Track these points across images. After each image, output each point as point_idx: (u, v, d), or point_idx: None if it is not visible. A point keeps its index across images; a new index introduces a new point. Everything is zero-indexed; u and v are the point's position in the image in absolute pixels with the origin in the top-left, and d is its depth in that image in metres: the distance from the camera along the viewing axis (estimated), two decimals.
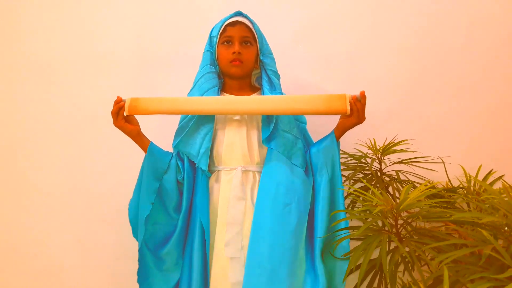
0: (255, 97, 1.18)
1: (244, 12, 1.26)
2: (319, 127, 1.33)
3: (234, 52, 1.20)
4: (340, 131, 1.20)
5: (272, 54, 1.29)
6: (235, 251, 1.14)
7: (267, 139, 1.19)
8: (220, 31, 1.23)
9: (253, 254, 1.11)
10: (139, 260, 1.18)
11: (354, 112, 1.13)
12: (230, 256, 1.14)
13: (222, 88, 1.29)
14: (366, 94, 1.13)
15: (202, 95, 1.21)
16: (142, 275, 1.19)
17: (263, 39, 1.27)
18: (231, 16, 1.24)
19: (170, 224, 1.21)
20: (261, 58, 1.27)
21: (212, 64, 1.26)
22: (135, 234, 1.24)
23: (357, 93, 1.14)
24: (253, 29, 1.24)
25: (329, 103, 1.13)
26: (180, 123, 1.25)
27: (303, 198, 1.18)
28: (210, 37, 1.27)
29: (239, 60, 1.21)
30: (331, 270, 1.15)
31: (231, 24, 1.22)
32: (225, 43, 1.23)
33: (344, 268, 1.12)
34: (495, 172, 1.25)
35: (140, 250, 1.18)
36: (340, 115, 1.21)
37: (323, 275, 1.11)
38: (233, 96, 1.24)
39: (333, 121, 1.24)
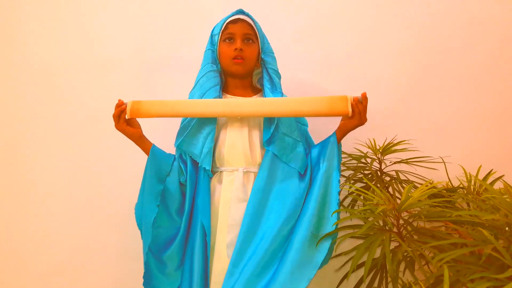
0: (256, 99, 1.18)
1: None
2: (321, 127, 1.33)
3: (236, 49, 1.20)
4: (342, 132, 1.19)
5: (273, 53, 1.28)
6: None
7: (268, 142, 1.19)
8: (222, 28, 1.23)
9: (239, 256, 1.10)
10: (144, 264, 1.18)
11: (356, 114, 1.13)
12: None
13: (224, 88, 1.29)
14: (366, 95, 1.13)
15: (203, 94, 1.21)
16: (147, 278, 1.19)
17: (264, 37, 1.27)
18: (233, 14, 1.24)
19: (173, 227, 1.20)
20: (262, 56, 1.26)
21: (213, 63, 1.26)
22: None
23: (358, 94, 1.13)
24: (254, 27, 1.24)
25: (331, 105, 1.12)
26: (182, 123, 1.24)
27: (295, 200, 1.16)
28: (212, 36, 1.27)
29: (241, 57, 1.21)
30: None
31: (233, 22, 1.22)
32: (227, 40, 1.23)
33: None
34: (495, 172, 1.25)
35: (146, 254, 1.17)
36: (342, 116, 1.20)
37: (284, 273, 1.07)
38: (235, 98, 1.23)
39: (335, 121, 1.24)
